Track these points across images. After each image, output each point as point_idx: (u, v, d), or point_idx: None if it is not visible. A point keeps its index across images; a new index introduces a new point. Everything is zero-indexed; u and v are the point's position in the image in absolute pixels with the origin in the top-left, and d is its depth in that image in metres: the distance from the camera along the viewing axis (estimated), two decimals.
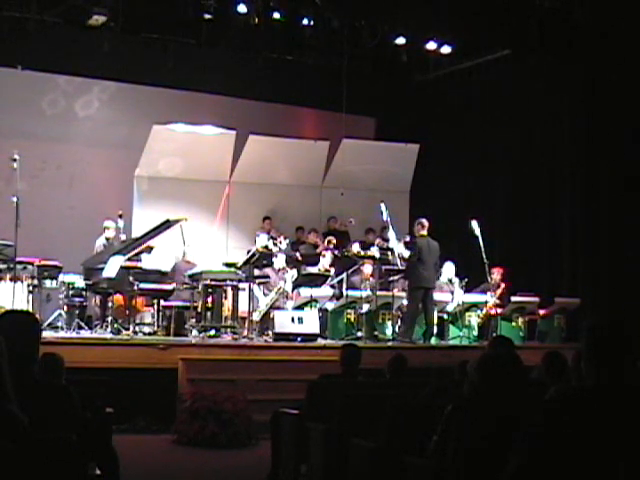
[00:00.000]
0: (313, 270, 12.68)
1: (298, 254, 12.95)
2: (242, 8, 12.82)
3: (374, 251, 12.56)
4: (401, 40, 13.86)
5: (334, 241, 13.34)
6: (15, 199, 10.17)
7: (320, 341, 11.18)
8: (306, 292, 11.87)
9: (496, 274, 12.76)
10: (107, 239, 12.19)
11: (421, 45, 14.08)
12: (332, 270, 12.62)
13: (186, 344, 10.36)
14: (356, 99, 14.12)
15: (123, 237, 11.95)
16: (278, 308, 11.64)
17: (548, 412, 2.97)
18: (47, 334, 9.62)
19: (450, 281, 12.84)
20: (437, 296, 12.45)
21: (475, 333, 12.40)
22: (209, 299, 11.24)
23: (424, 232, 11.93)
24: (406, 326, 11.69)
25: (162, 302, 11.34)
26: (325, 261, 12.72)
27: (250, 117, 14.64)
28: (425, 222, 12.03)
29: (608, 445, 2.85)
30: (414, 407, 5.40)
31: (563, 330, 12.70)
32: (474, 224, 12.11)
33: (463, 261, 13.07)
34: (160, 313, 11.33)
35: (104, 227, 12.20)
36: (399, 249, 12.10)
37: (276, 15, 13.11)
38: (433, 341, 11.99)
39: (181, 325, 11.31)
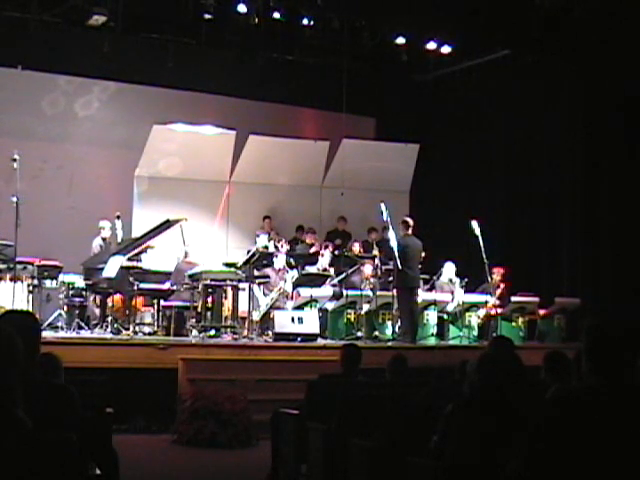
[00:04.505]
0: (313, 270, 12.67)
1: (284, 248, 12.75)
2: (242, 8, 12.83)
3: (375, 251, 12.54)
4: (401, 40, 13.88)
5: (331, 248, 13.23)
6: (15, 199, 10.16)
7: (320, 341, 11.17)
8: (306, 292, 11.86)
9: (496, 274, 12.75)
10: (103, 239, 12.19)
11: (421, 45, 14.09)
12: (332, 270, 12.61)
13: (186, 344, 10.36)
14: (356, 99, 14.12)
15: (119, 237, 11.95)
16: (278, 308, 11.64)
17: (549, 411, 2.97)
18: (47, 334, 9.61)
19: (450, 281, 12.83)
20: (437, 296, 12.46)
21: (475, 333, 12.39)
22: (209, 299, 11.24)
23: (409, 231, 11.87)
24: (405, 328, 11.66)
25: (162, 302, 11.34)
26: (324, 261, 12.71)
27: (250, 117, 14.64)
28: (410, 221, 11.97)
29: (608, 444, 2.85)
30: (414, 407, 5.39)
31: (563, 330, 12.69)
32: (474, 224, 12.09)
33: (463, 261, 13.06)
34: (160, 313, 11.33)
35: (99, 227, 12.21)
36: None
37: (276, 15, 13.12)
38: (433, 341, 11.98)
39: (181, 325, 11.30)
